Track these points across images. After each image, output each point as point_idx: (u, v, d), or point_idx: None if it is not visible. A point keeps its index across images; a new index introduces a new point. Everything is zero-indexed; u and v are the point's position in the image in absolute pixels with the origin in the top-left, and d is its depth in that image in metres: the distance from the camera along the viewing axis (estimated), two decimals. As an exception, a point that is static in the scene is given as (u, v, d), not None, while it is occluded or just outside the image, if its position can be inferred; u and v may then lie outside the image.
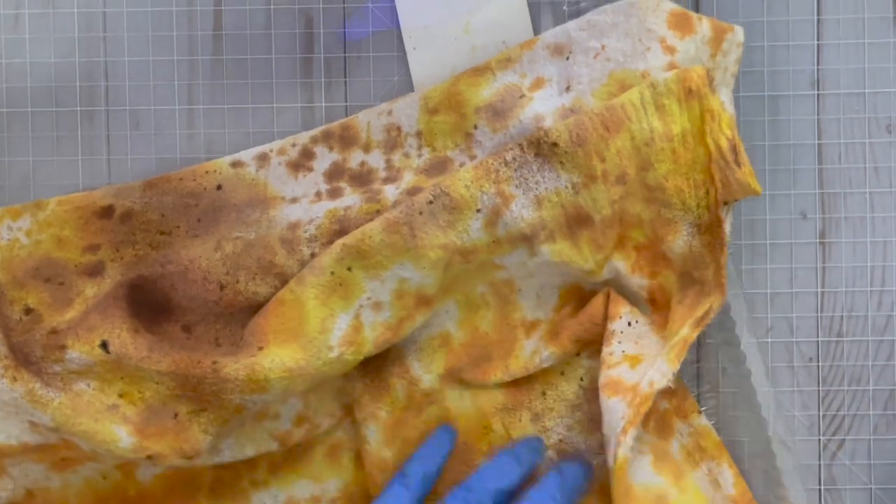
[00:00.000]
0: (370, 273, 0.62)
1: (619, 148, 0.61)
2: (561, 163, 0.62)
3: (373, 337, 0.63)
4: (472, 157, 0.64)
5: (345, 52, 0.66)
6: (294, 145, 0.65)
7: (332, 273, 0.62)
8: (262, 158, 0.65)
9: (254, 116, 0.66)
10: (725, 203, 0.62)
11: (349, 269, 0.62)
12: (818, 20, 0.66)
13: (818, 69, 0.66)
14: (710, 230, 0.62)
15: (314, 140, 0.65)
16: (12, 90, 0.66)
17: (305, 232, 0.64)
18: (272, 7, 0.66)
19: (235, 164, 0.65)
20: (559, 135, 0.61)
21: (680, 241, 0.62)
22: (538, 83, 0.64)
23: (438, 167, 0.65)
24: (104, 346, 0.62)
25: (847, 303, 0.66)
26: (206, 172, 0.65)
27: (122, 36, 0.66)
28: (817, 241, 0.66)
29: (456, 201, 0.62)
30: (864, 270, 0.66)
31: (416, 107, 0.65)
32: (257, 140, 0.66)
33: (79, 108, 0.66)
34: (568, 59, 0.64)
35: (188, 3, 0.66)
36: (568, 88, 0.64)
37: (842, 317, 0.66)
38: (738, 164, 0.61)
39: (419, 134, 0.65)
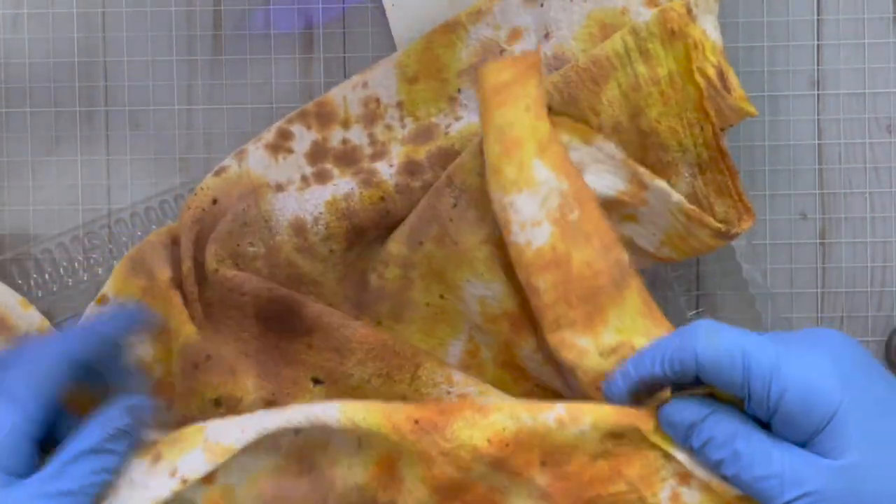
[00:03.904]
0: (456, 295, 0.63)
1: (610, 98, 0.60)
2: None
3: (491, 356, 0.63)
4: (458, 119, 0.64)
5: (344, 52, 0.66)
6: (269, 130, 0.64)
7: (427, 305, 0.63)
8: (240, 154, 0.64)
9: (253, 116, 0.66)
10: (721, 129, 0.61)
11: (441, 296, 0.63)
12: (818, 20, 0.66)
13: (818, 69, 0.66)
14: (712, 166, 0.61)
15: (289, 121, 0.64)
16: (12, 90, 0.66)
17: (316, 234, 0.62)
18: (272, 7, 0.66)
19: (219, 172, 0.64)
20: (550, 98, 0.60)
21: (682, 183, 0.61)
22: (515, 34, 0.63)
23: (425, 134, 0.64)
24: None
25: (847, 303, 0.66)
26: (199, 191, 0.64)
27: (121, 36, 0.66)
28: (817, 241, 0.66)
29: (476, 195, 0.61)
30: (864, 271, 0.66)
31: (392, 76, 0.64)
32: (257, 140, 0.66)
33: (78, 108, 0.66)
34: (542, 5, 0.63)
35: (188, 3, 0.66)
36: (547, 35, 0.63)
37: (842, 317, 0.66)
38: (728, 90, 0.60)
39: (400, 104, 0.64)
